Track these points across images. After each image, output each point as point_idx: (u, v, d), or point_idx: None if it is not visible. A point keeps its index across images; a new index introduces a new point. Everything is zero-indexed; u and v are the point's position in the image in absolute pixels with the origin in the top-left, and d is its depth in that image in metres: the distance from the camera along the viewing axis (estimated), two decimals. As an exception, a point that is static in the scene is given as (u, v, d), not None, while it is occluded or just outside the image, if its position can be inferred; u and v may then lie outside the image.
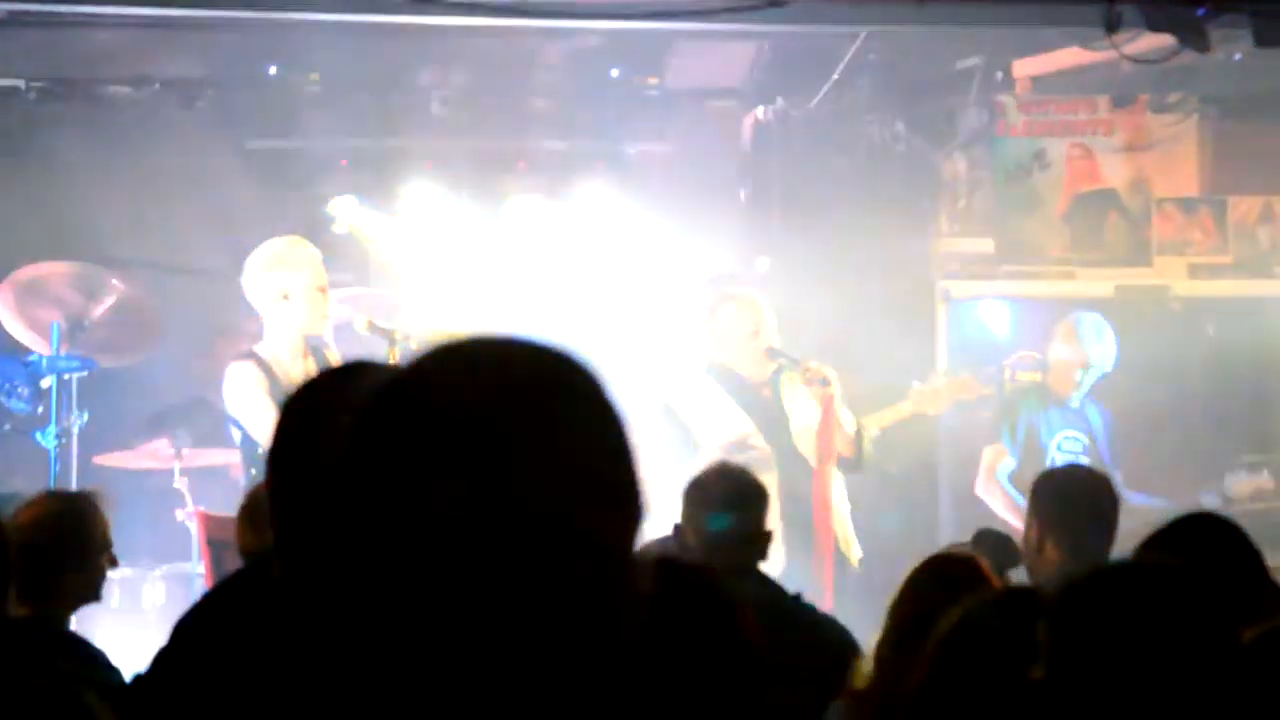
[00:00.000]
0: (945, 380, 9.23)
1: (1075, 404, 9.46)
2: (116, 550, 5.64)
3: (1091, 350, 9.40)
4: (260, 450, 7.36)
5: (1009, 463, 9.29)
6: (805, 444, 8.51)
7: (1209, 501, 9.50)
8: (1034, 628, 4.08)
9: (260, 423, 7.35)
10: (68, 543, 5.45)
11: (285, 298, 7.50)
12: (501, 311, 10.38)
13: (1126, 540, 6.22)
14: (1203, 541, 4.71)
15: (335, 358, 7.68)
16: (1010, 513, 8.98)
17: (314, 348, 7.68)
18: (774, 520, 7.98)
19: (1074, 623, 2.87)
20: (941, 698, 4.04)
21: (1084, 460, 9.22)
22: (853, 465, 8.64)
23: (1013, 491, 9.10)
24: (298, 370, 7.43)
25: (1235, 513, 9.19)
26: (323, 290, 7.59)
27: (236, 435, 7.53)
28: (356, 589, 1.91)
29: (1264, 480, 9.67)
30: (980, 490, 9.33)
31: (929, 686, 4.08)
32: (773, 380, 8.41)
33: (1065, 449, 9.32)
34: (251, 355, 7.55)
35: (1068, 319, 9.55)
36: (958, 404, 9.44)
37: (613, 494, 1.89)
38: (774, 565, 7.91)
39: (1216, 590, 2.85)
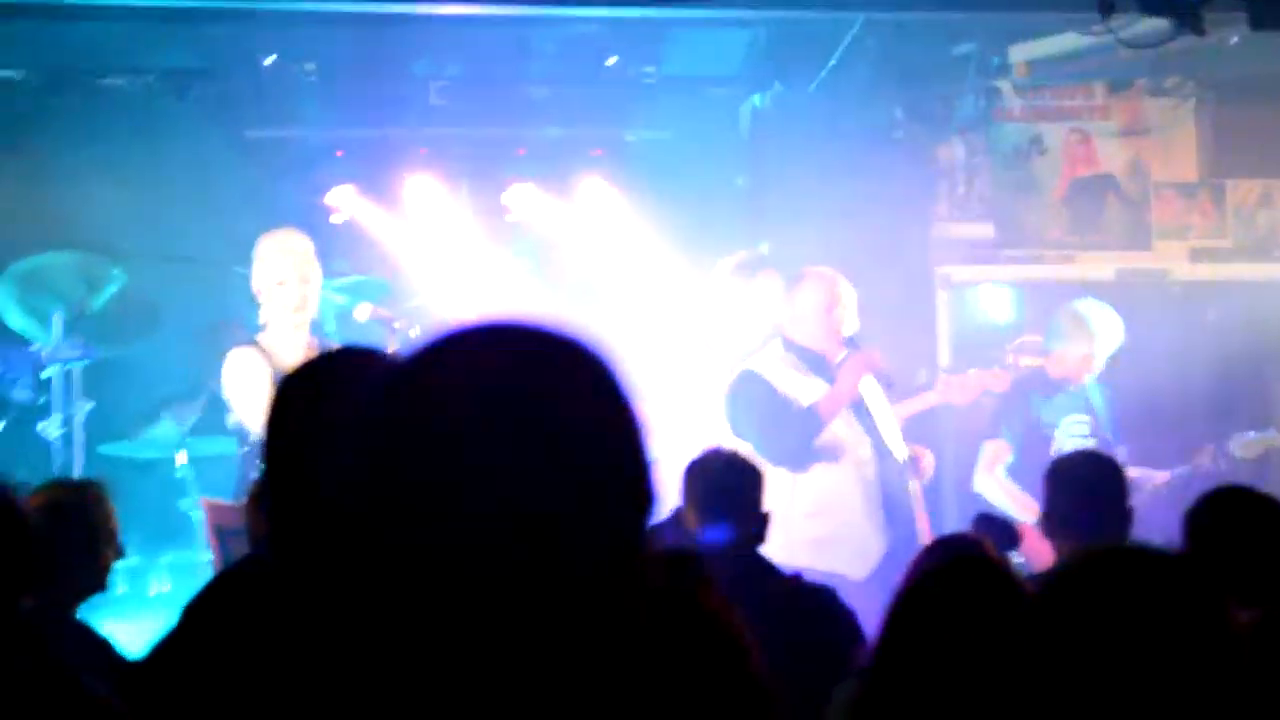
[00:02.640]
0: (975, 371, 9.21)
1: (1075, 389, 9.39)
2: (121, 539, 5.64)
3: (1100, 336, 9.33)
4: (252, 436, 7.41)
5: (1007, 457, 9.23)
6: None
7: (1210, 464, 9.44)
8: (981, 590, 4.12)
9: (254, 409, 7.39)
10: (75, 532, 5.44)
11: (260, 291, 7.59)
12: (508, 298, 10.39)
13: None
14: (1240, 519, 4.77)
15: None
16: (1011, 504, 8.96)
17: (317, 337, 7.72)
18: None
19: (1057, 609, 2.87)
20: (896, 652, 4.08)
21: (1091, 441, 9.18)
22: None
23: (1012, 485, 9.05)
24: (297, 359, 7.44)
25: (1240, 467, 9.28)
26: (306, 280, 7.62)
27: (232, 421, 7.56)
28: (355, 574, 1.90)
29: (1272, 438, 9.63)
30: (977, 485, 9.30)
31: (884, 641, 4.12)
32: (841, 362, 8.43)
33: (1073, 433, 9.27)
34: (253, 343, 7.59)
35: (1067, 307, 9.46)
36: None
37: (618, 482, 1.89)
38: (872, 551, 8.00)
39: (1205, 579, 2.85)
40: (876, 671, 4.21)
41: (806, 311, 8.35)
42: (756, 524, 5.87)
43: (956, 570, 4.22)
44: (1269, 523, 4.78)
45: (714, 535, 5.78)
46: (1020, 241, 10.94)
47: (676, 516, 5.85)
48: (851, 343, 8.27)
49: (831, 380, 8.27)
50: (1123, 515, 5.99)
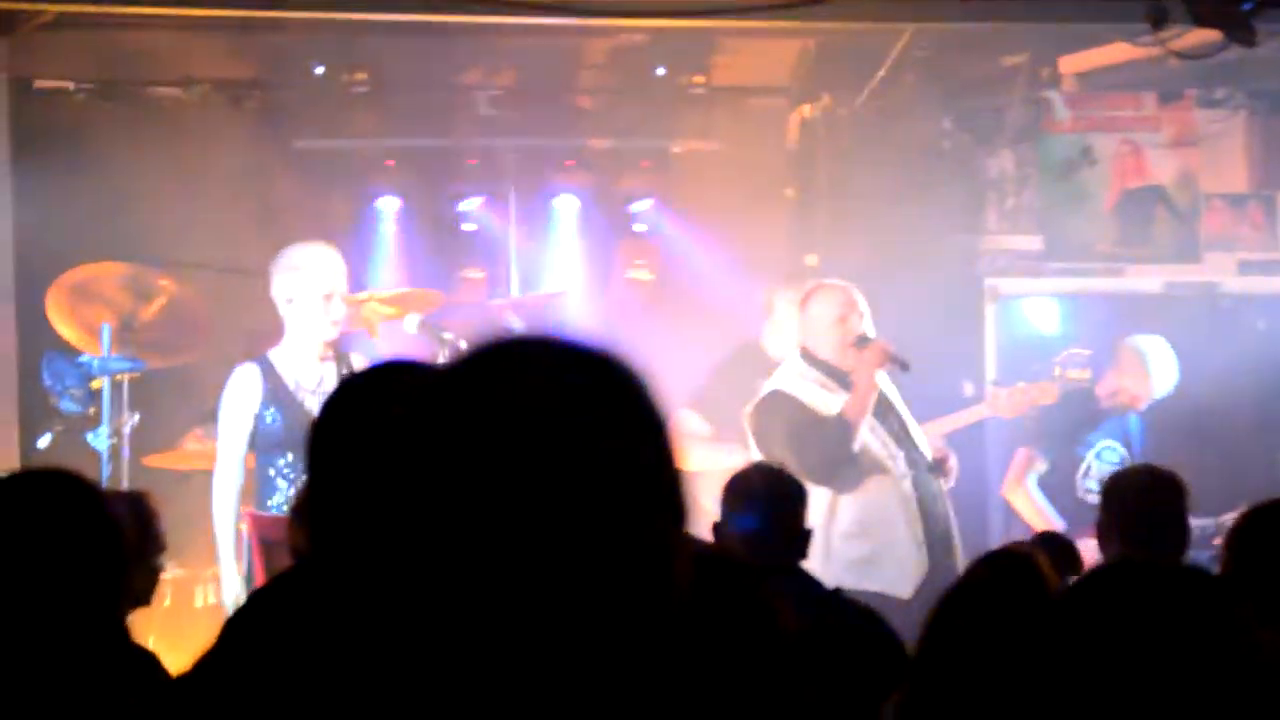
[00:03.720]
0: (1023, 384, 9.19)
1: (1116, 415, 9.39)
2: (168, 551, 5.67)
3: (1156, 379, 9.34)
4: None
5: (1040, 466, 9.22)
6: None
7: None
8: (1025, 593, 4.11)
9: (228, 431, 7.53)
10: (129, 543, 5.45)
11: (291, 302, 7.62)
12: (555, 311, 10.40)
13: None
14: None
15: (359, 362, 7.78)
16: (1034, 517, 8.95)
17: (339, 354, 7.76)
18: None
19: (1077, 619, 2.88)
20: (933, 659, 4.07)
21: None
22: None
23: (1039, 497, 9.04)
24: (310, 375, 7.57)
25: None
26: (329, 298, 7.65)
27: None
28: (397, 584, 1.92)
29: None
30: (1006, 492, 9.27)
31: (923, 649, 4.11)
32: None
33: (1104, 458, 9.25)
34: (261, 360, 7.66)
35: (1130, 341, 9.44)
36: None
37: (653, 492, 1.90)
38: (915, 568, 7.95)
39: (1234, 597, 2.84)
40: (915, 680, 4.20)
41: (820, 325, 8.28)
42: (798, 540, 5.86)
43: (995, 579, 4.20)
44: None
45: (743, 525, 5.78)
46: (1069, 253, 10.90)
47: (715, 532, 5.85)
48: (861, 340, 8.20)
49: (840, 391, 8.21)
50: (1180, 533, 5.95)
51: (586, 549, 1.84)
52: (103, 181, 10.24)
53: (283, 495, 7.48)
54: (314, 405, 7.53)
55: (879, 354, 8.12)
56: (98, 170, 10.26)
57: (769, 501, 5.85)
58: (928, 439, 8.41)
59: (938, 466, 8.27)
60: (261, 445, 7.59)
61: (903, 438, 8.23)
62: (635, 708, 1.87)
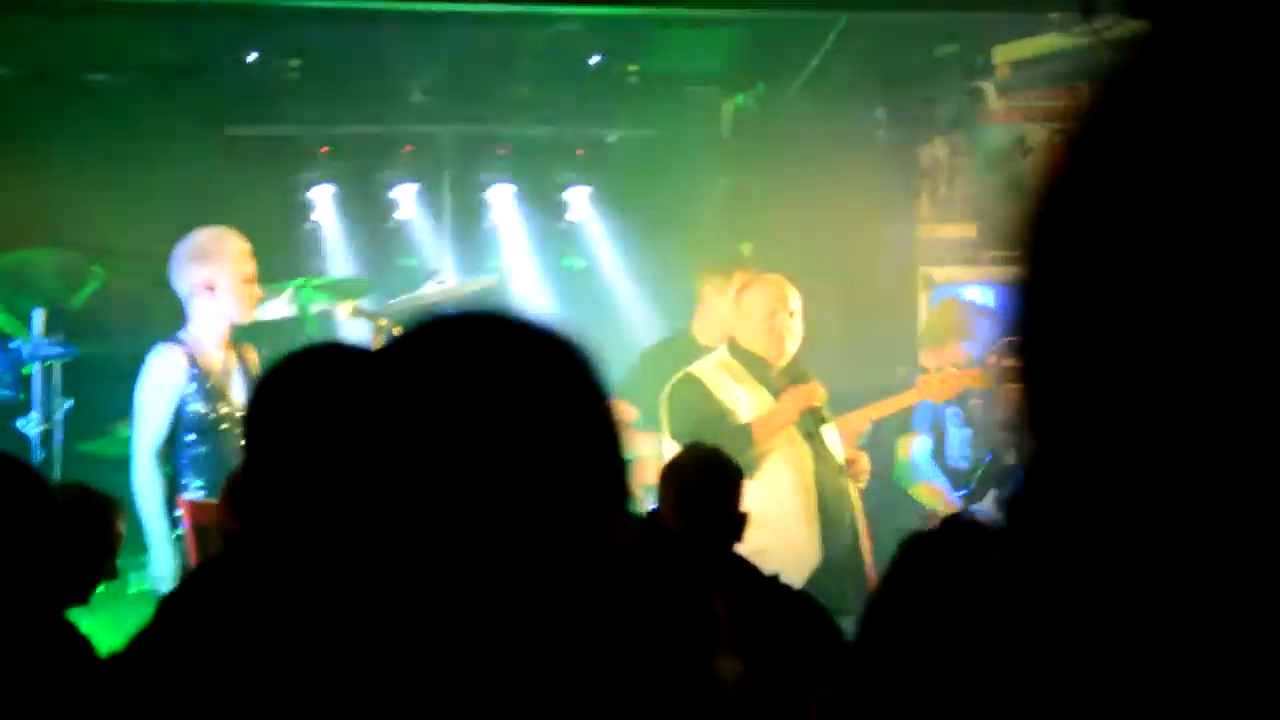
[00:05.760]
0: (954, 369, 9.23)
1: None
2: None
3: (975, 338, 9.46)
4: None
5: (924, 441, 9.25)
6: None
7: None
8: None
9: (153, 413, 7.42)
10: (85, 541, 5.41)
11: (210, 289, 7.54)
12: (489, 298, 10.38)
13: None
14: None
15: (253, 353, 7.75)
16: (928, 495, 9.02)
17: (235, 340, 7.71)
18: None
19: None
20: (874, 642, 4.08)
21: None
22: None
23: (933, 471, 9.10)
24: (220, 360, 7.51)
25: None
26: (248, 281, 7.59)
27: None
28: (334, 561, 1.91)
29: None
30: (899, 471, 9.32)
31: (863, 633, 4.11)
32: (790, 366, 8.39)
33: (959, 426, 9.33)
34: (179, 342, 7.56)
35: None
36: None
37: (597, 470, 1.90)
38: (808, 560, 7.96)
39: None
40: (854, 663, 4.20)
41: (751, 317, 8.30)
42: (732, 524, 5.88)
43: (932, 560, 4.20)
44: None
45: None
46: (1003, 243, 10.94)
47: (653, 517, 5.86)
48: (800, 374, 8.23)
49: (773, 387, 8.21)
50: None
51: (528, 527, 1.84)
52: (34, 167, 10.16)
53: (200, 480, 7.41)
54: (229, 390, 7.51)
55: (806, 396, 8.15)
56: (29, 156, 10.19)
57: (704, 486, 5.86)
58: (844, 439, 8.43)
59: (847, 468, 8.31)
60: (183, 428, 7.51)
61: (815, 438, 8.24)
62: (568, 688, 1.87)
